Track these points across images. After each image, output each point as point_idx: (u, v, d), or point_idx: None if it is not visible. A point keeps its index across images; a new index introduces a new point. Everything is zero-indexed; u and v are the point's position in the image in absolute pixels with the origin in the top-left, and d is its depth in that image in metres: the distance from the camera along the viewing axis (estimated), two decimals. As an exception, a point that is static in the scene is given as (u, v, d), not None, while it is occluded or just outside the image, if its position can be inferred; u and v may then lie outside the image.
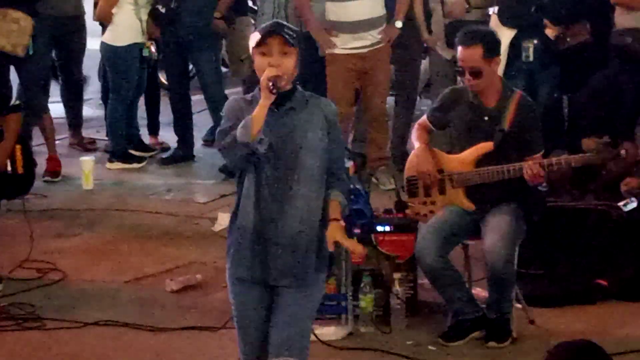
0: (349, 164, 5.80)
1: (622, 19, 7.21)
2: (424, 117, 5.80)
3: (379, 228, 5.75)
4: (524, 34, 7.41)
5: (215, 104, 8.26)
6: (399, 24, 7.78)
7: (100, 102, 10.14)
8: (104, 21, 8.58)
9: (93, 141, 9.41)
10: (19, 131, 6.57)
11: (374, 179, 7.81)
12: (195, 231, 7.25)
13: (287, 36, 3.94)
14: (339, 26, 7.67)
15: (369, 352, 5.40)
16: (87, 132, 9.49)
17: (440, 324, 5.59)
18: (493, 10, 7.54)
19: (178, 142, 8.95)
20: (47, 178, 8.26)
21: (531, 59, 7.43)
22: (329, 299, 5.46)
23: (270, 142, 3.95)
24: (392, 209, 5.91)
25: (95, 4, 8.75)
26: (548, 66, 7.54)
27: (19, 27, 7.80)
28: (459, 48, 5.52)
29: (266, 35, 3.95)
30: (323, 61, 7.78)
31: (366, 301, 5.61)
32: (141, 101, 9.14)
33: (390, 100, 8.38)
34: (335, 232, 4.04)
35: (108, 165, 8.72)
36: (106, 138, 9.12)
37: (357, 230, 5.63)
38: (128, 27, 8.42)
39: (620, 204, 6.28)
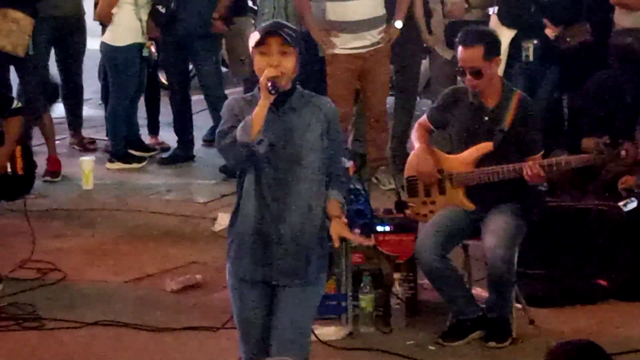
0: (349, 164, 5.79)
1: (622, 19, 7.21)
2: (424, 116, 5.80)
3: (379, 228, 5.75)
4: (524, 34, 7.41)
5: (215, 104, 8.26)
6: (399, 25, 7.78)
7: (100, 102, 10.15)
8: (104, 21, 8.58)
9: (93, 141, 9.41)
10: (20, 134, 6.57)
11: (374, 179, 7.81)
12: (195, 231, 7.25)
13: (286, 36, 3.94)
14: (339, 26, 7.67)
15: (369, 352, 5.40)
16: (87, 132, 9.49)
17: (440, 324, 5.59)
18: (493, 10, 7.54)
19: (178, 142, 8.95)
20: (47, 178, 8.26)
21: (531, 59, 7.43)
22: (329, 299, 5.46)
23: (271, 142, 3.95)
24: (392, 209, 5.91)
25: (96, 4, 8.75)
26: (548, 66, 7.54)
27: (19, 27, 7.80)
28: (460, 48, 5.51)
29: (265, 35, 3.95)
30: (323, 61, 7.78)
31: (366, 301, 5.61)
32: (141, 101, 9.13)
33: (390, 100, 8.38)
34: (339, 228, 4.04)
35: (108, 165, 8.72)
36: (106, 138, 9.12)
37: (357, 230, 5.63)
38: (128, 27, 8.42)
39: (620, 204, 6.28)
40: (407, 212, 5.79)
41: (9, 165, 6.48)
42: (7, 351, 5.42)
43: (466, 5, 7.76)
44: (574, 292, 5.99)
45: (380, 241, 5.73)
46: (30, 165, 6.68)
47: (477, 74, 5.44)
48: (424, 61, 8.64)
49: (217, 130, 4.08)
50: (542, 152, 5.55)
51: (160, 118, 9.32)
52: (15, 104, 6.54)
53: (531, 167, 5.33)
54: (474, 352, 5.39)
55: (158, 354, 5.42)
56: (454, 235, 5.51)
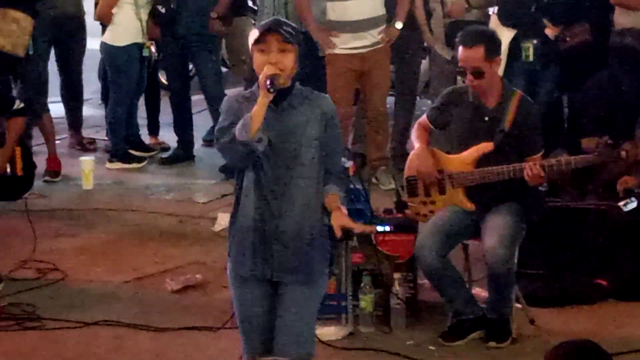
0: (349, 164, 5.80)
1: (622, 19, 7.21)
2: (424, 116, 5.80)
3: (379, 228, 5.74)
4: (524, 34, 7.41)
5: (215, 104, 8.25)
6: (399, 25, 7.78)
7: (100, 102, 10.15)
8: (104, 21, 8.58)
9: (93, 141, 9.42)
10: (21, 135, 6.57)
11: (374, 179, 7.82)
12: (195, 231, 7.25)
13: (285, 34, 3.94)
14: (339, 26, 7.67)
15: (369, 352, 5.40)
16: (87, 132, 9.50)
17: (440, 324, 5.59)
18: (493, 10, 7.54)
19: (178, 142, 8.95)
20: (47, 178, 8.26)
21: (531, 59, 7.43)
22: (329, 299, 5.46)
23: (270, 140, 3.95)
24: (392, 209, 5.91)
25: (96, 4, 8.75)
26: (548, 66, 7.54)
27: (19, 27, 7.79)
28: (460, 48, 5.51)
29: (264, 32, 3.96)
30: (323, 61, 7.78)
31: (366, 301, 5.61)
32: (141, 101, 9.14)
33: (390, 100, 8.38)
34: (340, 219, 4.02)
35: (108, 165, 8.72)
36: (106, 138, 9.13)
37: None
38: (128, 27, 8.43)
39: (620, 204, 6.28)
40: (407, 212, 5.79)
41: (8, 166, 6.48)
42: (7, 351, 5.42)
43: (466, 5, 7.76)
44: (574, 292, 5.99)
45: (380, 241, 5.73)
46: (29, 166, 6.68)
47: (478, 74, 5.44)
48: (424, 61, 8.65)
49: (216, 128, 4.08)
50: (542, 152, 5.56)
51: (160, 118, 9.32)
52: (17, 104, 6.54)
53: (531, 168, 5.33)
54: (474, 352, 5.39)
55: (158, 354, 5.41)
56: (454, 235, 5.51)
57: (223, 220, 6.98)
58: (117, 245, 6.99)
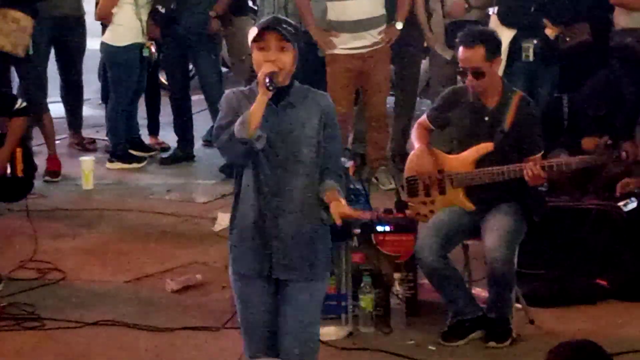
0: (349, 164, 5.80)
1: (622, 19, 7.21)
2: (424, 116, 5.80)
3: (379, 228, 5.75)
4: (523, 34, 7.41)
5: (215, 104, 8.22)
6: (399, 25, 7.78)
7: (100, 102, 10.15)
8: (104, 21, 8.58)
9: (93, 141, 9.42)
10: (22, 135, 6.57)
11: (374, 179, 7.82)
12: (195, 231, 7.25)
13: (284, 32, 3.94)
14: (338, 25, 7.67)
15: (369, 352, 5.40)
16: (87, 132, 9.50)
17: (440, 324, 5.59)
18: (493, 11, 7.53)
19: (178, 142, 8.95)
20: (47, 178, 8.26)
21: (531, 59, 7.43)
22: (329, 299, 5.45)
23: (269, 138, 3.96)
24: (392, 209, 5.91)
25: (97, 4, 8.75)
26: (548, 66, 7.53)
27: (19, 27, 7.80)
28: (461, 49, 5.50)
29: (263, 30, 3.96)
30: (323, 61, 7.78)
31: (366, 301, 5.61)
32: (141, 101, 9.14)
33: (390, 100, 8.38)
34: (338, 207, 3.98)
35: (108, 165, 8.72)
36: (106, 138, 9.13)
37: (357, 230, 5.63)
38: (128, 27, 8.43)
39: (620, 204, 6.29)
40: (407, 212, 5.79)
41: (9, 167, 6.48)
42: (7, 351, 5.42)
43: (466, 5, 7.76)
44: (574, 292, 5.99)
45: (380, 241, 5.73)
46: (30, 167, 6.68)
47: (479, 74, 5.44)
48: (424, 61, 8.64)
49: (215, 126, 4.08)
50: (542, 152, 5.56)
51: (160, 118, 9.32)
52: (19, 103, 6.53)
53: (532, 168, 5.33)
54: (474, 352, 5.39)
55: (158, 354, 5.41)
56: (454, 235, 5.51)
57: (223, 220, 6.98)
58: (117, 245, 6.99)
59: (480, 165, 5.50)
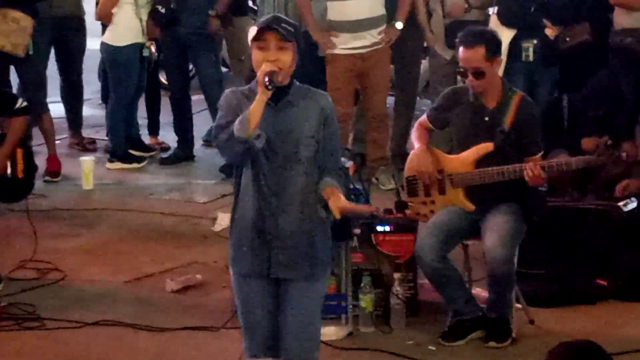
0: (349, 164, 5.80)
1: (622, 19, 7.21)
2: (424, 116, 5.80)
3: (379, 228, 5.75)
4: (523, 34, 7.41)
5: (215, 104, 8.21)
6: (399, 25, 7.79)
7: (100, 102, 10.16)
8: (104, 21, 8.58)
9: (93, 141, 9.42)
10: (22, 135, 6.56)
11: (374, 179, 7.82)
12: (195, 231, 7.25)
13: (283, 31, 3.94)
14: (338, 25, 7.68)
15: (369, 352, 5.40)
16: (87, 132, 9.50)
17: (440, 324, 5.59)
18: (493, 11, 7.54)
19: (178, 142, 8.96)
20: (47, 178, 8.26)
21: (531, 59, 7.43)
22: (329, 299, 5.45)
23: (268, 137, 3.96)
24: (392, 209, 5.91)
25: (97, 3, 8.75)
26: (548, 66, 7.54)
27: (19, 27, 7.80)
28: (461, 49, 5.50)
29: (263, 30, 3.96)
30: (323, 61, 7.79)
31: (366, 301, 5.61)
32: (141, 101, 9.14)
33: (390, 100, 8.38)
34: (337, 201, 3.97)
35: (108, 165, 8.72)
36: (106, 138, 9.13)
37: (357, 230, 5.63)
38: (128, 27, 8.43)
39: (621, 204, 6.29)
40: (407, 212, 5.79)
41: (9, 168, 6.47)
42: (7, 351, 5.42)
43: (466, 5, 7.76)
44: (574, 292, 5.99)
45: (380, 241, 5.73)
46: (30, 168, 6.67)
47: (479, 74, 5.44)
48: (424, 61, 8.64)
49: (215, 125, 4.09)
50: (542, 153, 5.56)
51: (161, 118, 9.32)
52: (20, 103, 6.53)
53: (532, 168, 5.33)
54: (474, 352, 5.39)
55: (158, 354, 5.42)
56: (454, 235, 5.51)
57: (223, 220, 6.99)
58: (117, 245, 6.99)
59: (480, 166, 5.50)
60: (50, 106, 8.57)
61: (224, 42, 9.20)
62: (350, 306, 5.61)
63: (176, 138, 8.96)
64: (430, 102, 7.91)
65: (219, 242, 6.65)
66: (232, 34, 8.92)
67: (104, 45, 8.58)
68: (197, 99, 9.11)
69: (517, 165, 5.39)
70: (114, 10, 8.41)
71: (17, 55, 7.88)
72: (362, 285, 5.63)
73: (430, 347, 5.43)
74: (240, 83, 9.36)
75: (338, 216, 3.97)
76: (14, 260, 6.53)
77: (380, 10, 7.70)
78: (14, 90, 8.29)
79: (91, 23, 9.07)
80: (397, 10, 7.80)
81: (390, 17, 7.79)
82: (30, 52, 7.96)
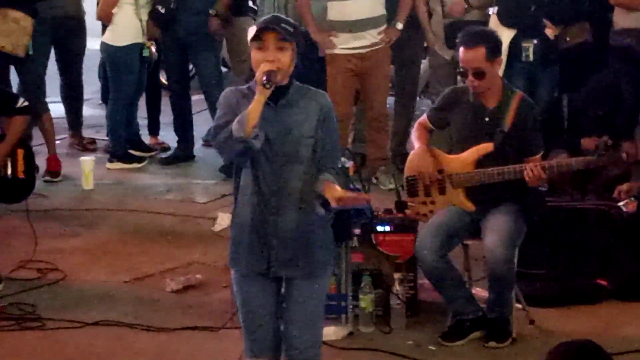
0: (349, 164, 5.80)
1: (621, 19, 7.22)
2: (424, 116, 5.80)
3: (379, 228, 5.74)
4: (523, 34, 7.41)
5: (215, 104, 8.22)
6: (399, 26, 7.79)
7: (100, 102, 10.16)
8: (104, 21, 8.58)
9: (93, 141, 9.42)
10: (22, 134, 6.56)
11: (374, 179, 7.82)
12: (195, 231, 7.25)
13: (283, 32, 3.94)
14: (338, 25, 7.68)
15: (369, 352, 5.40)
16: (87, 132, 9.50)
17: (440, 324, 5.59)
18: (493, 11, 7.54)
19: (178, 142, 8.96)
20: (47, 178, 8.26)
21: (531, 59, 7.44)
22: (329, 299, 5.44)
23: (268, 137, 3.96)
24: (392, 209, 5.91)
25: (98, 3, 8.75)
26: (548, 66, 7.54)
27: (19, 27, 7.80)
28: (461, 49, 5.50)
29: (262, 30, 3.96)
30: (323, 61, 7.79)
31: (366, 301, 5.61)
32: (141, 101, 9.14)
33: (390, 100, 8.38)
34: (333, 191, 3.96)
35: (108, 165, 8.72)
36: (106, 138, 9.13)
37: (357, 230, 5.63)
38: (128, 27, 8.43)
39: (621, 204, 6.29)
40: (407, 212, 5.79)
41: (9, 168, 6.47)
42: (7, 351, 5.42)
43: (466, 5, 7.76)
44: (574, 292, 5.99)
45: (380, 241, 5.73)
46: (31, 169, 6.67)
47: (479, 75, 5.43)
48: (424, 61, 8.64)
49: (213, 125, 4.09)
50: (542, 153, 5.56)
51: (161, 118, 9.32)
52: (21, 102, 6.52)
53: (532, 169, 5.33)
54: (474, 352, 5.39)
55: (158, 354, 5.42)
56: (454, 235, 5.51)
57: (223, 220, 6.99)
58: (117, 245, 6.99)
59: (480, 166, 5.50)
60: (50, 106, 8.58)
61: (224, 42, 9.20)
62: (350, 306, 5.61)
63: (176, 138, 8.96)
64: (430, 102, 7.92)
65: (219, 242, 6.65)
66: (232, 34, 8.92)
67: (104, 45, 8.58)
68: (197, 99, 9.11)
69: (517, 165, 5.39)
70: (114, 11, 8.41)
71: (17, 55, 7.88)
72: (362, 285, 5.63)
73: (430, 347, 5.43)
74: (240, 83, 9.37)
75: (334, 204, 3.96)
76: (14, 261, 6.54)
77: (380, 10, 7.70)
78: (14, 90, 8.29)
79: (91, 23, 9.07)
80: (398, 11, 7.80)
81: (391, 18, 7.79)
82: (30, 52, 7.97)
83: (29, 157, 6.64)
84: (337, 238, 4.29)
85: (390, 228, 5.76)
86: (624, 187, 6.36)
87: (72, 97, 9.16)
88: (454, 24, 7.60)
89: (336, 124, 4.17)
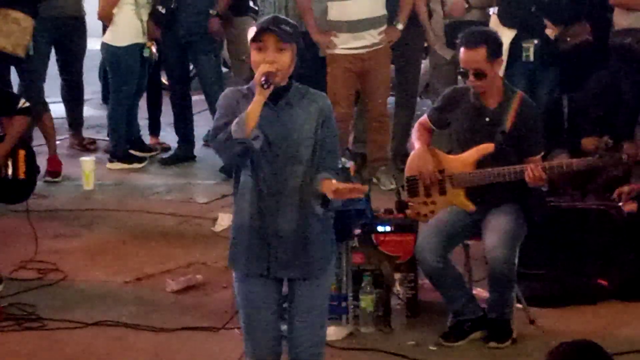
0: (349, 164, 5.80)
1: (621, 19, 7.21)
2: (425, 116, 5.80)
3: (380, 228, 5.74)
4: (524, 34, 7.41)
5: (215, 104, 8.24)
6: (400, 26, 7.79)
7: (101, 102, 10.15)
8: (105, 21, 8.58)
9: (93, 141, 9.41)
10: (23, 135, 6.56)
11: (374, 179, 7.82)
12: (195, 231, 7.25)
13: (282, 33, 3.94)
14: (338, 25, 7.68)
15: (369, 352, 5.40)
16: (87, 133, 9.50)
17: (440, 324, 5.59)
18: (493, 11, 7.54)
19: (178, 142, 8.96)
20: (47, 178, 8.25)
21: (531, 59, 7.43)
22: (330, 299, 5.45)
23: (268, 138, 3.96)
24: (393, 209, 5.91)
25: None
26: (548, 66, 7.54)
27: (19, 28, 7.80)
28: (462, 50, 5.49)
29: (261, 31, 3.97)
30: (323, 61, 7.78)
31: (366, 301, 5.61)
32: (142, 101, 9.14)
33: (391, 100, 8.38)
34: (330, 185, 3.95)
35: (108, 165, 8.72)
36: (107, 138, 9.13)
37: (357, 231, 5.63)
38: (128, 27, 8.43)
39: (621, 204, 6.28)
40: (408, 212, 5.79)
41: (10, 169, 6.47)
42: (7, 351, 5.42)
43: (466, 5, 7.76)
44: (574, 292, 5.99)
45: (380, 241, 5.73)
46: (32, 169, 6.67)
47: (480, 75, 5.43)
48: (424, 61, 8.64)
49: (213, 127, 4.09)
50: (542, 153, 5.56)
51: (161, 118, 9.32)
52: (22, 103, 6.52)
53: (533, 170, 5.33)
54: (475, 352, 5.39)
55: (158, 354, 5.42)
56: (454, 236, 5.51)
57: (223, 220, 6.99)
58: (117, 245, 6.99)
59: (480, 166, 5.50)
60: (51, 106, 8.58)
61: (224, 42, 9.20)
62: (351, 306, 5.61)
63: (177, 138, 8.96)
64: (430, 102, 7.91)
65: (219, 242, 6.65)
66: (232, 34, 8.92)
67: (104, 46, 8.58)
68: (197, 99, 9.11)
69: (517, 166, 5.39)
70: (114, 11, 8.40)
71: (17, 55, 7.88)
72: (362, 285, 5.63)
73: (430, 348, 5.43)
74: (240, 83, 9.38)
75: (331, 196, 3.95)
76: (15, 261, 6.54)
77: (380, 10, 7.70)
78: (14, 90, 8.28)
79: (92, 23, 9.06)
80: (399, 11, 7.80)
81: (391, 18, 7.79)
82: (31, 53, 7.96)
83: (30, 157, 6.63)
84: (337, 238, 4.30)
85: (391, 228, 5.76)
86: (625, 189, 6.36)
87: (73, 97, 9.16)
88: (455, 24, 7.60)
89: (335, 125, 4.17)
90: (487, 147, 5.47)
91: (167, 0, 8.47)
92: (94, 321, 5.73)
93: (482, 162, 5.50)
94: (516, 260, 5.38)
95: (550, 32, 7.44)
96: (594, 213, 6.28)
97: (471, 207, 5.53)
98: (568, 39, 7.49)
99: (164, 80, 9.58)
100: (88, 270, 6.53)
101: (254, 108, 3.89)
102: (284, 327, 4.27)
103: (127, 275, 6.42)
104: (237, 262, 4.16)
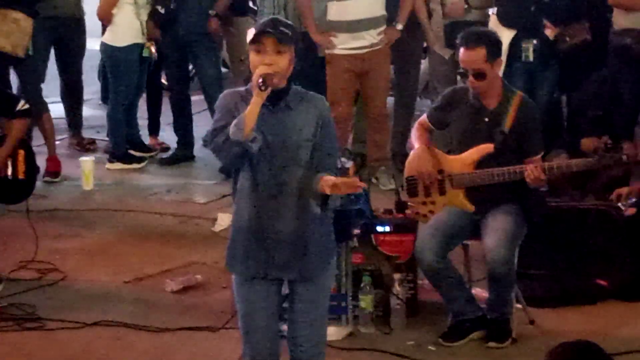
0: (349, 164, 5.80)
1: (621, 19, 7.21)
2: (424, 116, 5.80)
3: (379, 228, 5.75)
4: (523, 34, 7.41)
5: (215, 105, 8.24)
6: (399, 26, 7.79)
7: (100, 102, 10.15)
8: (104, 21, 8.58)
9: (93, 142, 9.41)
10: (23, 136, 6.56)
11: (374, 179, 7.82)
12: (195, 231, 7.25)
13: (281, 36, 3.95)
14: (337, 25, 7.68)
15: (369, 352, 5.40)
16: (87, 133, 9.50)
17: (440, 324, 5.59)
18: (493, 11, 7.54)
19: (178, 142, 8.95)
20: (47, 178, 8.25)
21: (531, 59, 7.44)
22: (329, 299, 5.45)
23: (266, 140, 3.96)
24: (392, 209, 5.91)
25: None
26: (547, 66, 7.54)
27: (19, 28, 7.80)
28: (462, 50, 5.49)
29: (260, 33, 3.97)
30: (323, 61, 7.79)
31: (366, 301, 5.61)
32: (141, 101, 9.14)
33: (390, 100, 8.38)
34: (327, 179, 3.96)
35: (108, 165, 8.72)
36: (106, 138, 9.13)
37: (357, 231, 5.63)
38: (128, 27, 8.43)
39: (619, 205, 6.28)
40: (407, 212, 5.79)
41: (10, 169, 6.46)
42: (7, 351, 5.42)
43: (466, 6, 7.76)
44: (574, 292, 5.99)
45: (380, 241, 5.73)
46: (32, 170, 6.66)
47: (480, 75, 5.43)
48: (423, 61, 8.64)
49: (211, 128, 4.09)
50: (542, 154, 5.56)
51: (161, 118, 9.32)
52: (22, 104, 6.51)
53: (532, 170, 5.33)
54: (474, 353, 5.39)
55: (158, 354, 5.42)
56: (454, 236, 5.51)
57: (223, 220, 6.99)
58: (117, 245, 6.99)
59: (480, 166, 5.50)
60: (50, 106, 8.58)
61: (224, 42, 9.20)
62: (351, 306, 5.61)
63: (176, 138, 8.96)
64: (430, 102, 7.91)
65: (219, 243, 6.64)
66: (232, 34, 8.92)
67: (104, 46, 8.58)
68: (197, 99, 9.11)
69: (517, 166, 5.39)
70: (113, 11, 8.41)
71: (17, 55, 7.88)
72: (362, 285, 5.63)
73: (430, 348, 5.43)
74: (240, 83, 9.38)
75: (329, 192, 3.94)
76: (14, 261, 6.54)
77: (380, 10, 7.70)
78: (14, 91, 8.29)
79: (91, 23, 9.07)
80: (399, 11, 7.79)
81: (391, 18, 7.79)
82: (30, 53, 7.96)
83: (30, 157, 6.63)
84: (337, 238, 4.30)
85: (390, 228, 5.76)
86: (624, 190, 6.36)
87: (72, 97, 9.16)
88: (454, 24, 7.60)
89: (334, 127, 4.17)
90: (487, 148, 5.47)
91: (167, 0, 8.47)
92: (94, 321, 5.73)
93: (481, 163, 5.50)
94: (516, 261, 5.38)
95: (550, 32, 7.45)
96: (593, 213, 6.28)
97: (470, 207, 5.53)
98: (567, 39, 7.50)
99: (164, 80, 9.59)
100: (88, 271, 6.53)
101: (252, 110, 3.90)
102: (284, 327, 4.27)
103: (126, 275, 6.42)
104: (237, 264, 4.16)
